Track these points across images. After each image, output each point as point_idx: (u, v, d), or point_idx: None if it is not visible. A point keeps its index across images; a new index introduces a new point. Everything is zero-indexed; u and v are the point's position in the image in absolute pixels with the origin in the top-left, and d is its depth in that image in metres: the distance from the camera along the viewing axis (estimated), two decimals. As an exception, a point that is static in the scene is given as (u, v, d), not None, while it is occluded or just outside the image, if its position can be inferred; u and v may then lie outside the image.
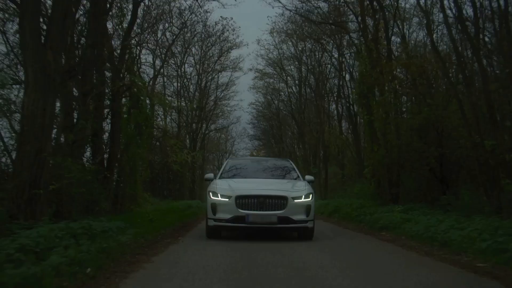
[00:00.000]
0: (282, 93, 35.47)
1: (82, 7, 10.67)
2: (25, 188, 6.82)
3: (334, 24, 17.78)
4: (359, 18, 15.10)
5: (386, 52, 14.36)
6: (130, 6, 13.37)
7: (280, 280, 4.57)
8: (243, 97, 52.26)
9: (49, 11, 8.71)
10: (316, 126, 28.24)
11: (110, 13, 12.24)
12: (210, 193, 8.54)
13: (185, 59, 31.52)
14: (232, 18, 32.93)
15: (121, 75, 12.20)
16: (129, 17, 13.35)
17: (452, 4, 10.09)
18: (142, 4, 15.44)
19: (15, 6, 8.46)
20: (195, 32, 29.44)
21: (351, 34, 18.22)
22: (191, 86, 33.87)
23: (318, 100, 26.29)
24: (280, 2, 18.02)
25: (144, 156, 14.76)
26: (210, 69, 33.56)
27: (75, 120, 9.63)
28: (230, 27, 29.51)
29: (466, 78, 9.45)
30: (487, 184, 9.20)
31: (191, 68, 32.65)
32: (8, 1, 8.73)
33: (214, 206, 8.31)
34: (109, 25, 13.28)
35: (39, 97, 7.19)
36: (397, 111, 13.11)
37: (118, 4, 12.78)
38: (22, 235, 4.91)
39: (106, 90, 11.59)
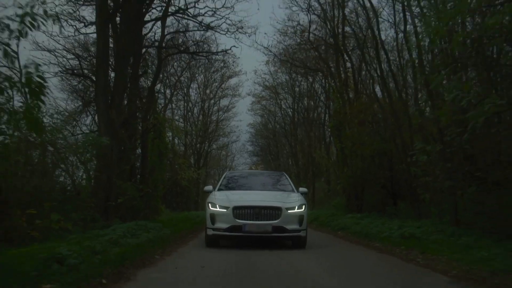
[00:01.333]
0: (278, 116, 39.59)
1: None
2: (102, 202, 10.74)
3: (314, 70, 22.01)
4: (333, 69, 19.12)
5: (354, 94, 18.35)
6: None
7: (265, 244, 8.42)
8: (242, 118, 56.14)
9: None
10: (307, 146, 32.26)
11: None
12: (209, 204, 8.99)
13: (190, 84, 35.71)
14: (232, 51, 37.10)
15: (148, 116, 16.12)
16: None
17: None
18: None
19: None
20: (200, 63, 33.57)
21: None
22: (195, 110, 38.06)
23: (307, 126, 30.29)
24: (270, 51, 22.12)
25: (163, 177, 18.68)
26: (212, 95, 37.72)
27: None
28: (231, 57, 33.69)
29: (397, 122, 13.36)
30: (411, 198, 13.05)
31: (196, 95, 36.78)
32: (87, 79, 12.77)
33: (213, 216, 8.77)
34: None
35: (107, 142, 11.13)
36: (360, 141, 16.96)
37: (146, 59, 16.83)
38: (117, 227, 8.79)
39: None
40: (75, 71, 12.40)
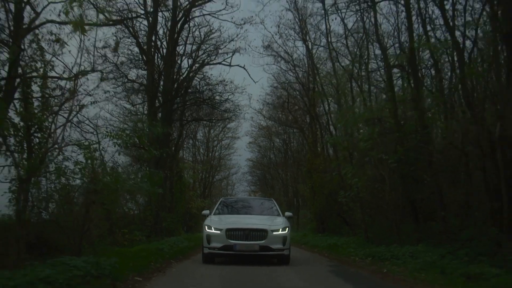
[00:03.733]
0: (272, 151, 46.61)
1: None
2: (153, 225, 17.61)
3: (295, 127, 29.39)
4: (305, 128, 26.26)
5: (321, 149, 25.37)
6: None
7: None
8: (241, 153, 63.09)
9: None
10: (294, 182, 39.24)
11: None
12: (206, 226, 9.97)
13: (197, 129, 42.81)
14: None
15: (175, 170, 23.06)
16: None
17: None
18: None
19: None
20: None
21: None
22: (201, 148, 45.15)
23: (294, 166, 37.34)
24: (262, 114, 29.63)
25: (183, 207, 25.59)
26: (215, 135, 44.90)
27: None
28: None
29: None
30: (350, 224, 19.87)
31: (202, 136, 43.92)
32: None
33: (209, 237, 9.77)
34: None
35: (162, 191, 18.03)
36: (323, 183, 23.86)
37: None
38: (168, 240, 15.58)
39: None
40: (135, 145, 19.40)
